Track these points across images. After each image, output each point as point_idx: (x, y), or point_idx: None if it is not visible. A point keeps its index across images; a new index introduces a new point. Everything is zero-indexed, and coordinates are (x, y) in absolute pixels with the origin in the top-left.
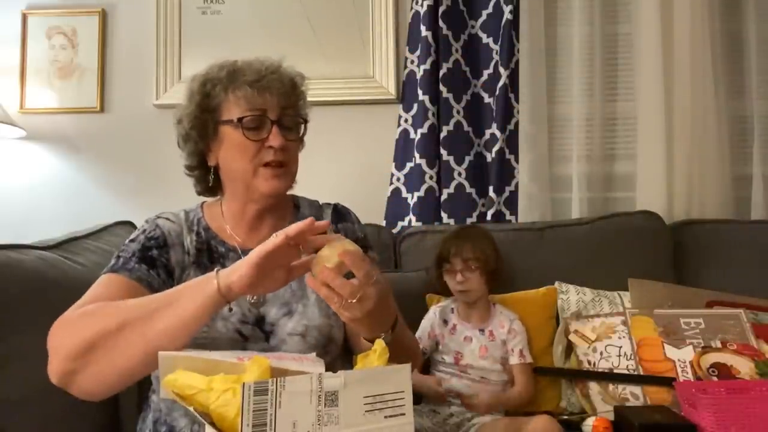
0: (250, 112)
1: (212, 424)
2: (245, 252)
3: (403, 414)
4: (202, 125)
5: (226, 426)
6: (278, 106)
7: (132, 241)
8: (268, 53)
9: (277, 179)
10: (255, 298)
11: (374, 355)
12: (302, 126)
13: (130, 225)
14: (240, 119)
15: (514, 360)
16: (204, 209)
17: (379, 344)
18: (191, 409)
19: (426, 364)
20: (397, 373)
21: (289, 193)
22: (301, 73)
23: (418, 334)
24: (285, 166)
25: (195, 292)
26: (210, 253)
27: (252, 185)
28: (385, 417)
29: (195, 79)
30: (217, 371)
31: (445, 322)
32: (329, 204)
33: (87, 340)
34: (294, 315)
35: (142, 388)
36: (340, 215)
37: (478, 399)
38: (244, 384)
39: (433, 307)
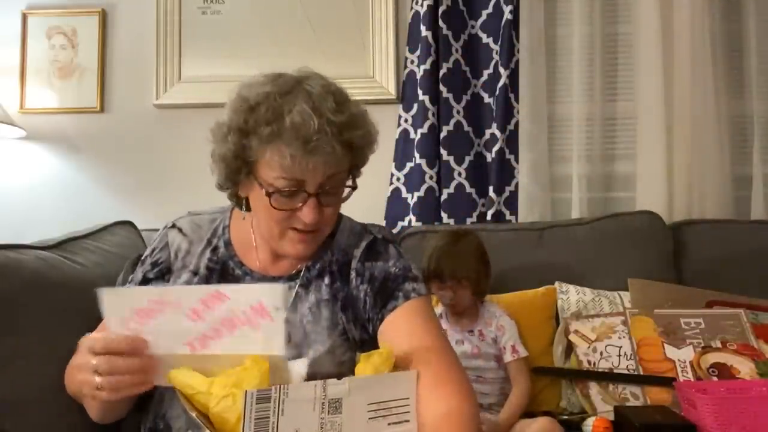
0: (285, 182)
1: (211, 426)
2: (263, 278)
3: (407, 421)
4: (235, 168)
5: (227, 430)
6: (322, 176)
7: (143, 262)
8: (268, 53)
9: (305, 244)
10: None
11: (379, 358)
12: (344, 185)
13: (129, 225)
14: (270, 193)
15: (507, 357)
16: (232, 219)
17: (386, 348)
18: (193, 415)
19: None
20: (403, 380)
21: None
22: (364, 119)
23: None
24: (317, 232)
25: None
26: (223, 275)
27: (276, 243)
28: (389, 424)
29: (236, 110)
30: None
31: None
32: (370, 234)
33: (69, 392)
34: (303, 357)
35: None
36: (372, 253)
37: None
38: (246, 392)
39: None
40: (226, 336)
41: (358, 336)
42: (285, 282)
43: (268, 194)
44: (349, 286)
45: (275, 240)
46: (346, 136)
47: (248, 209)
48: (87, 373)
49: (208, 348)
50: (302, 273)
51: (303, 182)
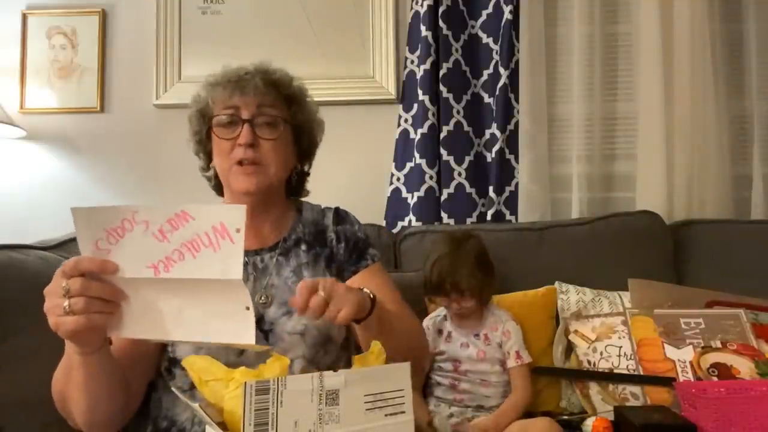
0: (223, 111)
1: (220, 423)
2: (248, 253)
3: (404, 412)
4: (199, 129)
5: (236, 420)
6: (253, 105)
7: None
8: (268, 53)
9: (249, 176)
10: (264, 298)
11: (372, 356)
12: (282, 124)
13: None
14: (210, 118)
15: (511, 363)
16: None
17: (376, 345)
18: (196, 406)
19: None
20: (397, 372)
21: (301, 198)
22: (289, 75)
23: None
24: (258, 164)
25: (67, 347)
26: None
27: (229, 183)
28: (386, 415)
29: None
30: None
31: (440, 332)
32: (330, 208)
33: (58, 407)
34: (293, 314)
35: None
36: (340, 218)
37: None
38: (245, 383)
39: (426, 321)
40: (188, 259)
41: None
42: (267, 252)
43: (213, 125)
44: (328, 247)
45: (228, 179)
46: (269, 75)
47: (219, 191)
48: (56, 297)
49: (170, 272)
50: (280, 244)
51: (239, 109)
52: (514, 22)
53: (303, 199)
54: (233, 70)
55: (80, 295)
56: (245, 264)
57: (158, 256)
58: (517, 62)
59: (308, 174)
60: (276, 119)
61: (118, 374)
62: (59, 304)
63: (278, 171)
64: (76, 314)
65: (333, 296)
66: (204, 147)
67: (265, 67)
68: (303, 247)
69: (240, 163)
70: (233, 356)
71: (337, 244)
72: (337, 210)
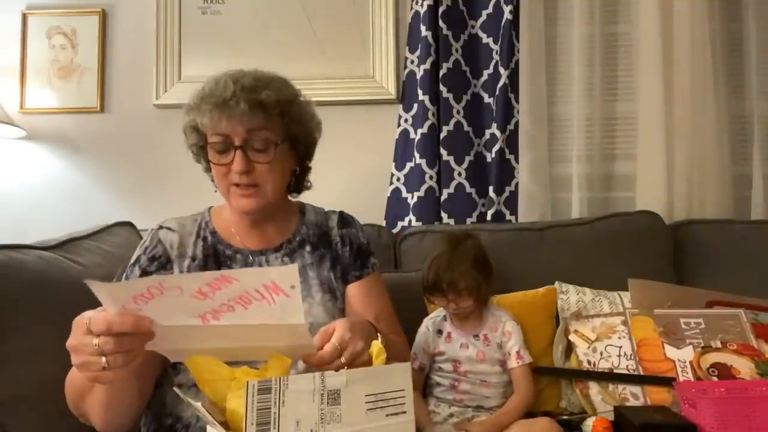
0: (214, 137)
1: (223, 423)
2: (253, 253)
3: (404, 412)
4: (196, 141)
5: (238, 419)
6: (242, 130)
7: (134, 264)
8: (268, 53)
9: (246, 199)
10: None
11: (372, 356)
12: (274, 147)
13: (129, 225)
14: (203, 146)
15: (512, 363)
16: (212, 213)
17: (376, 345)
18: (199, 405)
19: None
20: (398, 372)
21: (296, 199)
22: (276, 86)
23: (413, 350)
24: (256, 187)
25: None
26: (217, 257)
27: (229, 201)
28: (387, 415)
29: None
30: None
31: (440, 332)
32: (335, 211)
33: (71, 406)
34: None
35: None
36: (345, 221)
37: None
38: (248, 383)
39: (426, 321)
40: (239, 310)
41: (342, 291)
42: (272, 253)
43: (207, 149)
44: (333, 249)
45: (228, 198)
46: (254, 96)
47: None
48: (86, 354)
49: (220, 320)
50: (284, 245)
51: (229, 137)
52: (514, 22)
53: (304, 200)
54: (217, 90)
55: (115, 352)
56: (250, 264)
57: (204, 309)
58: (517, 62)
59: (310, 168)
60: (268, 143)
61: (136, 381)
62: (94, 362)
63: (276, 188)
64: (114, 369)
65: (353, 365)
66: (203, 154)
67: (250, 83)
68: (307, 248)
69: (237, 185)
70: None
71: (342, 247)
72: (342, 214)
